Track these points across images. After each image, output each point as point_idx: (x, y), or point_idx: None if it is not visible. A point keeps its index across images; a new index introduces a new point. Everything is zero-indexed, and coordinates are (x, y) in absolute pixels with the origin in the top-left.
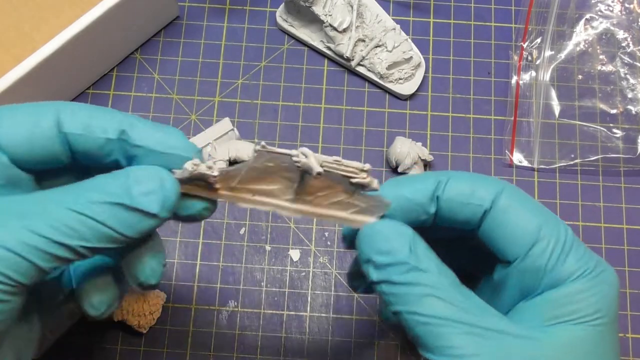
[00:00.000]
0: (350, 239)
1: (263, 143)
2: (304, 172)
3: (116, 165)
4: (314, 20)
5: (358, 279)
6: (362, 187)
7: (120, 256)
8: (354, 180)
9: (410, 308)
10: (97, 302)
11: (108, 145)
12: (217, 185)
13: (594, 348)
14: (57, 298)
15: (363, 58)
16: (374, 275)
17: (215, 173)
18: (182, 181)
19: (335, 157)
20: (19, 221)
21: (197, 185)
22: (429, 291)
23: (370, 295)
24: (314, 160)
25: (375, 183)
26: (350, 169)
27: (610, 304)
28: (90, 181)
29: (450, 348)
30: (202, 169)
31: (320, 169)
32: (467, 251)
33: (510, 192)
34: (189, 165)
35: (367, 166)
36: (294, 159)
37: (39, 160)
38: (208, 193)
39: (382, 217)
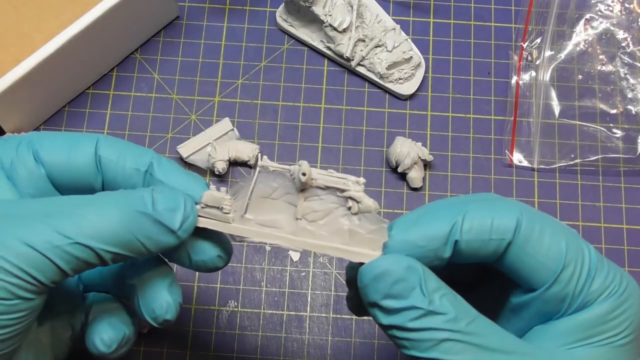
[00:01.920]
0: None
1: (265, 158)
2: (301, 190)
3: None
4: (314, 20)
5: (361, 307)
6: (357, 203)
7: (134, 292)
8: (346, 194)
9: (428, 354)
10: (108, 338)
11: (135, 176)
12: (229, 208)
13: None
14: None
15: (363, 58)
16: (382, 320)
17: (228, 196)
18: (198, 211)
19: (330, 170)
20: (45, 221)
21: (211, 216)
22: (447, 335)
23: None
24: (305, 165)
25: (370, 201)
26: (343, 180)
27: (637, 320)
28: (116, 191)
29: None
30: (215, 192)
31: (306, 169)
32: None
33: (529, 215)
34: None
35: (362, 180)
36: (291, 173)
37: (72, 181)
38: (222, 226)
39: (385, 246)
